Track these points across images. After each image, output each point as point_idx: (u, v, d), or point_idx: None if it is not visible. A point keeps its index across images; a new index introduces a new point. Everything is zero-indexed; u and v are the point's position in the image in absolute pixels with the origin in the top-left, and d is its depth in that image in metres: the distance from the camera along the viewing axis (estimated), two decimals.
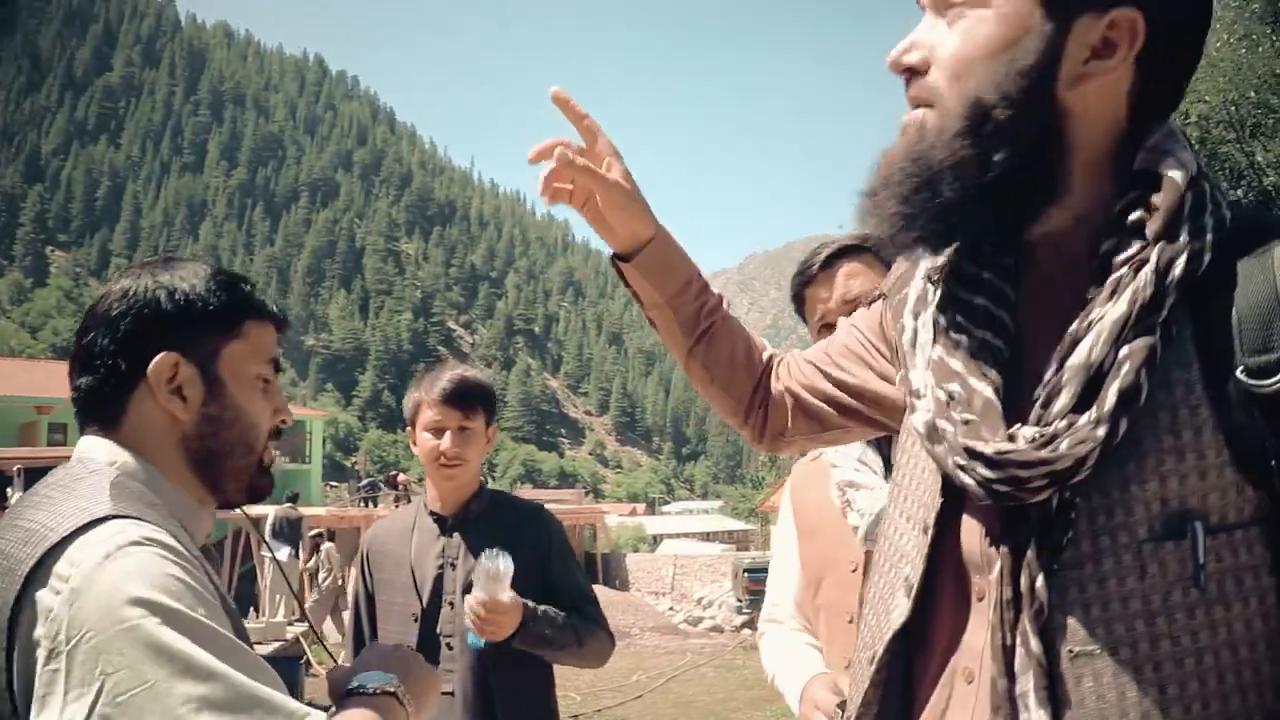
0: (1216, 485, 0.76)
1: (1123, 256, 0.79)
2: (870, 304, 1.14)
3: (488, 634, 1.96)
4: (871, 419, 1.09)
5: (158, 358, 1.06)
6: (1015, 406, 0.81)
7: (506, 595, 1.95)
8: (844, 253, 1.74)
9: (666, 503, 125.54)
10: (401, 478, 26.73)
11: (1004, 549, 0.81)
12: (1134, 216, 0.80)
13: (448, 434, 2.14)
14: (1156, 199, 0.80)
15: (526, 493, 47.53)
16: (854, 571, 1.65)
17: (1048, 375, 0.80)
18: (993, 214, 0.82)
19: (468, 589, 2.05)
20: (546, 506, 2.48)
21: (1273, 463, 0.75)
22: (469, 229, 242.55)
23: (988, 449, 0.78)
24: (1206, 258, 0.78)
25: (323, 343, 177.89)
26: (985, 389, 0.82)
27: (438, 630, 2.14)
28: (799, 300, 1.83)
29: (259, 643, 8.05)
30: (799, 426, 1.14)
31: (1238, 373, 0.76)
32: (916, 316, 0.92)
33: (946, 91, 0.82)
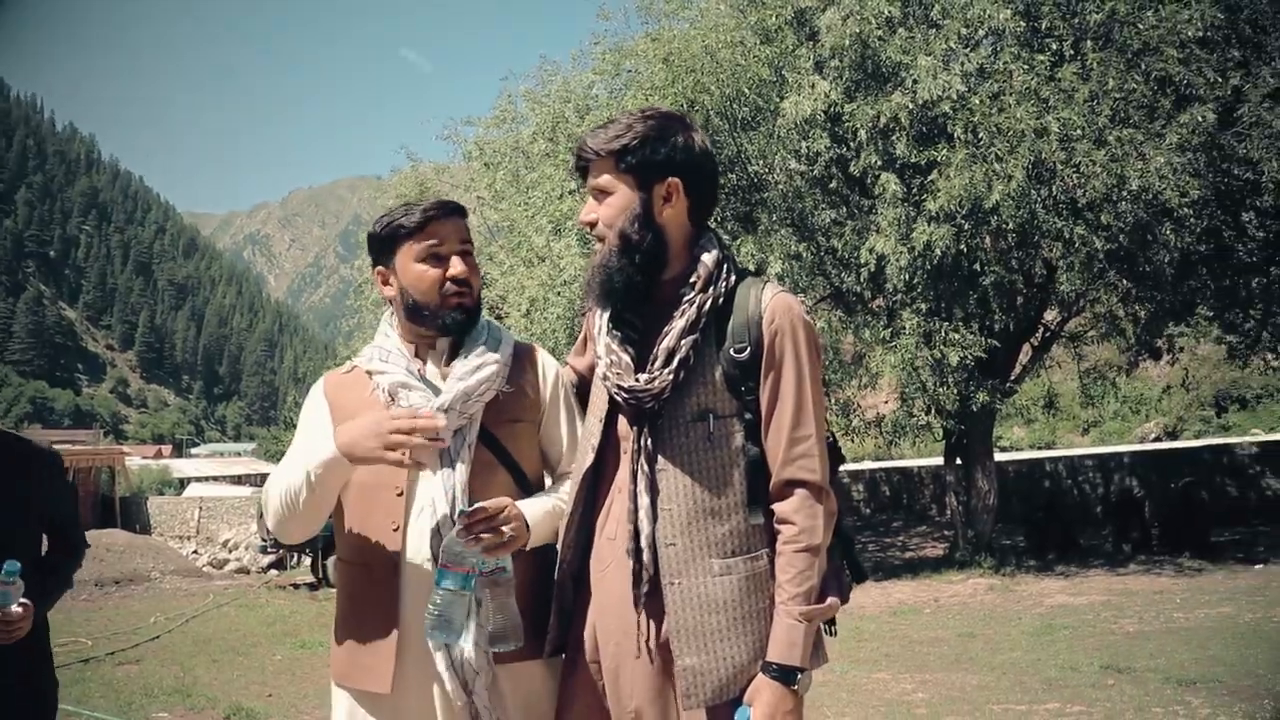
0: (720, 398, 1.75)
1: (686, 298, 1.77)
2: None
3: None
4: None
5: None
6: (640, 366, 1.78)
7: (14, 606, 2.15)
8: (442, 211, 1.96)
9: (195, 444, 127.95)
10: None
11: (635, 428, 1.79)
12: (692, 278, 1.78)
13: None
14: (700, 269, 1.79)
15: (35, 432, 44.25)
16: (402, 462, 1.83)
17: (653, 352, 1.76)
18: (637, 283, 1.79)
19: None
20: (56, 448, 2.64)
21: (741, 389, 1.74)
22: None
23: (626, 383, 1.76)
24: (722, 299, 1.77)
25: None
26: (627, 357, 1.79)
27: None
28: (393, 242, 1.96)
29: None
30: None
31: (731, 351, 1.74)
32: (598, 325, 1.88)
33: (609, 234, 1.79)
